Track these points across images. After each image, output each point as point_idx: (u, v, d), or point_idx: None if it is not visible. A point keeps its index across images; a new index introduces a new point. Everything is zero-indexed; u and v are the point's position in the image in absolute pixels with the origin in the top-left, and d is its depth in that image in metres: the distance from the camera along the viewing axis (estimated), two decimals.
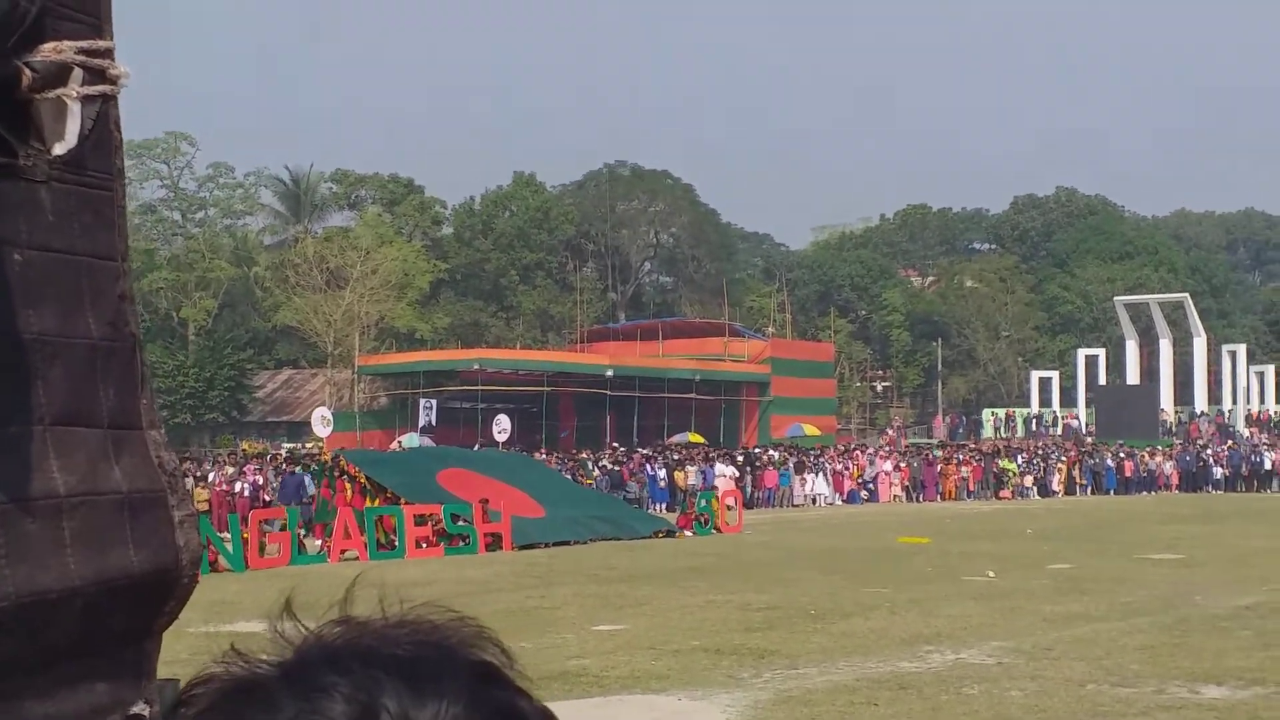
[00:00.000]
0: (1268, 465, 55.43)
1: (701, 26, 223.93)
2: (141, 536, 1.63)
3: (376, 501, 27.12)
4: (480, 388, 57.06)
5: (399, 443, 49.85)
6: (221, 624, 16.27)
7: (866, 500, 47.35)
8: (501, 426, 46.76)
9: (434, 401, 56.10)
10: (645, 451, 47.73)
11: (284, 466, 35.33)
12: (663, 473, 42.97)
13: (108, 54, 1.66)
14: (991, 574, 21.21)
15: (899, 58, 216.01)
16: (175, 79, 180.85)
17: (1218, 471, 55.48)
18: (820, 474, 47.33)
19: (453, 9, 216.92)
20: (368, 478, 28.01)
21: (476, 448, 44.75)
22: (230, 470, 34.95)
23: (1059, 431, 67.37)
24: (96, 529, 1.55)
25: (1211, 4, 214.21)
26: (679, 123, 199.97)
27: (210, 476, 34.30)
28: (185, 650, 14.03)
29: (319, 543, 26.14)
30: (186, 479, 29.07)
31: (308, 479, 31.76)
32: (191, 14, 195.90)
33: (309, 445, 48.78)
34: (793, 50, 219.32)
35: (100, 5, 1.66)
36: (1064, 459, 54.06)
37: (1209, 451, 57.75)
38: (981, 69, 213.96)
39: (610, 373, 58.20)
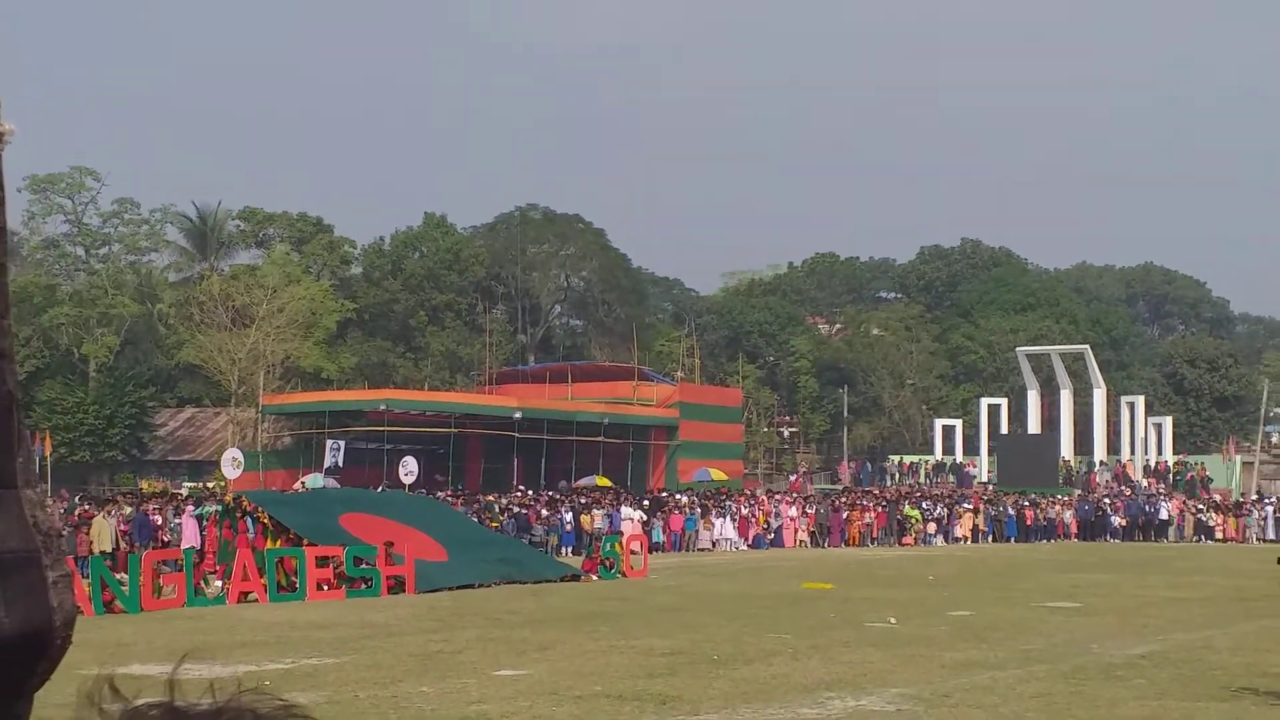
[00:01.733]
0: (1164, 515, 56.41)
1: (616, 70, 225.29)
2: (13, 597, 1.60)
3: (278, 543, 26.78)
4: (387, 428, 56.63)
5: (302, 483, 49.34)
6: (116, 666, 15.95)
7: (771, 545, 47.51)
8: (408, 469, 46.47)
9: (341, 442, 55.58)
10: (553, 494, 47.60)
11: (182, 507, 34.85)
12: (569, 516, 42.87)
13: None
14: (893, 620, 21.36)
15: (812, 105, 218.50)
16: (84, 114, 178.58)
17: (1116, 521, 56.36)
18: (726, 519, 47.45)
19: (367, 46, 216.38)
20: (271, 518, 27.66)
21: (380, 489, 44.39)
22: (129, 510, 34.32)
23: (956, 480, 68.13)
24: None
25: (1113, 66, 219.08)
26: (592, 167, 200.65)
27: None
28: (75, 692, 13.77)
29: (219, 584, 25.74)
30: (86, 521, 28.32)
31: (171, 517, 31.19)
32: (103, 48, 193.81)
33: (210, 484, 48.13)
34: (706, 98, 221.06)
35: None
36: (968, 506, 54.68)
37: (1107, 501, 58.68)
38: (892, 120, 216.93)
39: (518, 415, 58.04)
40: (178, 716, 0.92)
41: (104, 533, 30.94)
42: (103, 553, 28.40)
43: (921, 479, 68.60)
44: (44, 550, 1.69)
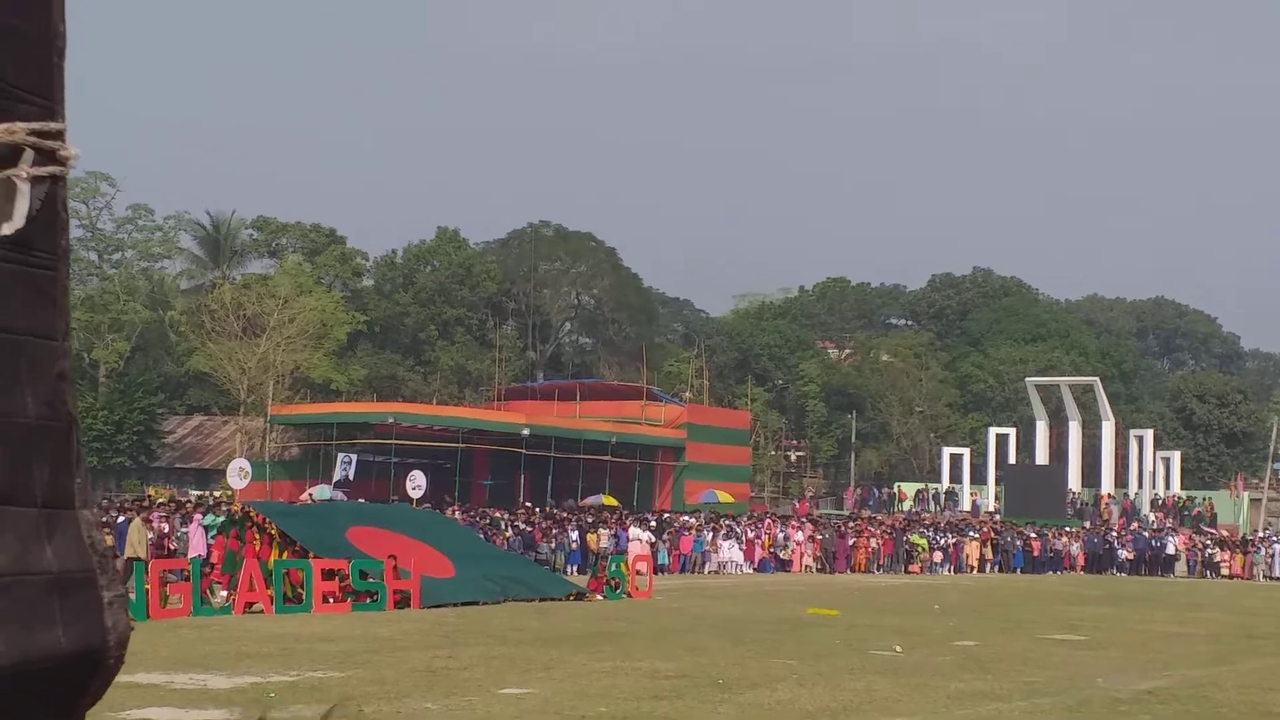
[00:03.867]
0: (1170, 550, 56.25)
1: (633, 88, 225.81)
2: (71, 617, 1.63)
3: (285, 554, 26.78)
4: (394, 441, 56.64)
5: (309, 494, 49.34)
6: (120, 675, 15.95)
7: (777, 570, 47.44)
8: (416, 483, 46.45)
9: (353, 456, 55.59)
10: (560, 513, 47.57)
11: (190, 514, 34.83)
12: (575, 534, 42.83)
13: (59, 135, 1.67)
14: (898, 649, 21.31)
15: (828, 129, 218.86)
16: (100, 118, 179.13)
17: (1123, 554, 56.21)
18: (733, 541, 47.39)
19: (382, 58, 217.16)
20: (278, 529, 27.66)
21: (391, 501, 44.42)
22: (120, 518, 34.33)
23: (967, 508, 68.06)
24: (26, 609, 1.55)
25: (1129, 97, 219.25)
26: (605, 185, 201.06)
27: (118, 521, 33.62)
28: None
29: (225, 594, 25.74)
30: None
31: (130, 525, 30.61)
32: (121, 53, 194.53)
33: (217, 493, 48.16)
34: (724, 119, 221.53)
35: (54, 88, 1.68)
36: (977, 535, 54.58)
37: (1114, 534, 58.55)
38: (907, 146, 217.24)
39: (526, 431, 58.01)
40: None
41: (141, 540, 30.80)
42: (139, 559, 28.40)
43: (909, 505, 68.42)
44: (100, 570, 1.72)
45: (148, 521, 32.63)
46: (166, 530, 33.88)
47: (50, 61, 1.66)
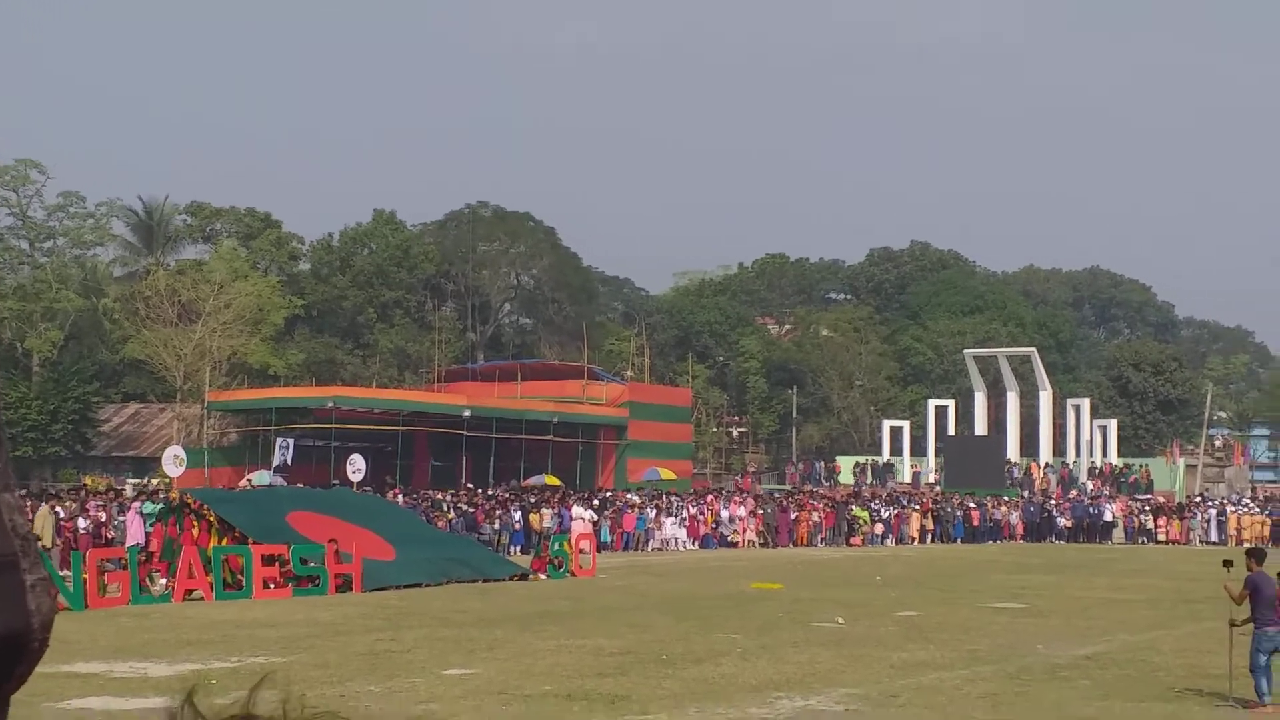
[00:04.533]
0: (1108, 517, 56.89)
1: (569, 69, 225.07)
2: None
3: (224, 541, 26.56)
4: (334, 426, 56.24)
5: (248, 480, 48.92)
6: (59, 664, 15.79)
7: (721, 545, 47.56)
8: (356, 466, 46.13)
9: (290, 440, 55.14)
10: (503, 494, 47.43)
11: (127, 504, 34.46)
12: (518, 515, 42.74)
13: None
14: (841, 621, 21.44)
15: (763, 105, 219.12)
16: (29, 104, 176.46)
17: (1061, 522, 56.78)
18: (676, 518, 47.46)
19: (317, 41, 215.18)
20: (217, 516, 27.43)
21: (332, 485, 44.12)
22: (72, 506, 33.92)
23: (907, 480, 68.49)
24: None
25: (1062, 64, 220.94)
26: (543, 165, 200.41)
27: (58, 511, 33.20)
28: (19, 691, 13.61)
29: (164, 582, 25.49)
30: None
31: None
32: (47, 38, 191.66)
33: (154, 481, 47.64)
34: (657, 96, 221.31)
35: None
36: (918, 507, 54.96)
37: (1053, 503, 59.12)
38: (843, 121, 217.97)
39: (467, 413, 57.78)
40: None
41: (46, 527, 30.54)
42: (43, 548, 28.05)
43: (848, 479, 68.81)
44: (21, 554, 1.67)
45: (53, 510, 32.25)
46: (104, 519, 33.47)
47: None
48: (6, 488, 1.69)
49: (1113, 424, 71.49)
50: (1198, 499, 60.22)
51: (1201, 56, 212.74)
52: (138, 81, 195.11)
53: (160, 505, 31.77)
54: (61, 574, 23.76)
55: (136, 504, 33.97)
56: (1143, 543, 54.61)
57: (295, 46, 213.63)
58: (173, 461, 42.74)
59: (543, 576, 30.30)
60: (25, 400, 60.96)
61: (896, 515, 53.32)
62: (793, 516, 50.09)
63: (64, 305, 65.90)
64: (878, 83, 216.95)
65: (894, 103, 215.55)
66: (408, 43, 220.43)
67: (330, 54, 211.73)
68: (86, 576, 23.09)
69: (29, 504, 33.17)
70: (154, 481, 47.56)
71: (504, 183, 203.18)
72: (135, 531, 32.11)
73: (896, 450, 72.66)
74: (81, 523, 32.72)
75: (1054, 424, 71.00)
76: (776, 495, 56.18)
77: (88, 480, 51.62)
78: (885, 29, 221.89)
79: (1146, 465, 67.52)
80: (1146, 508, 57.79)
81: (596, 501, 46.45)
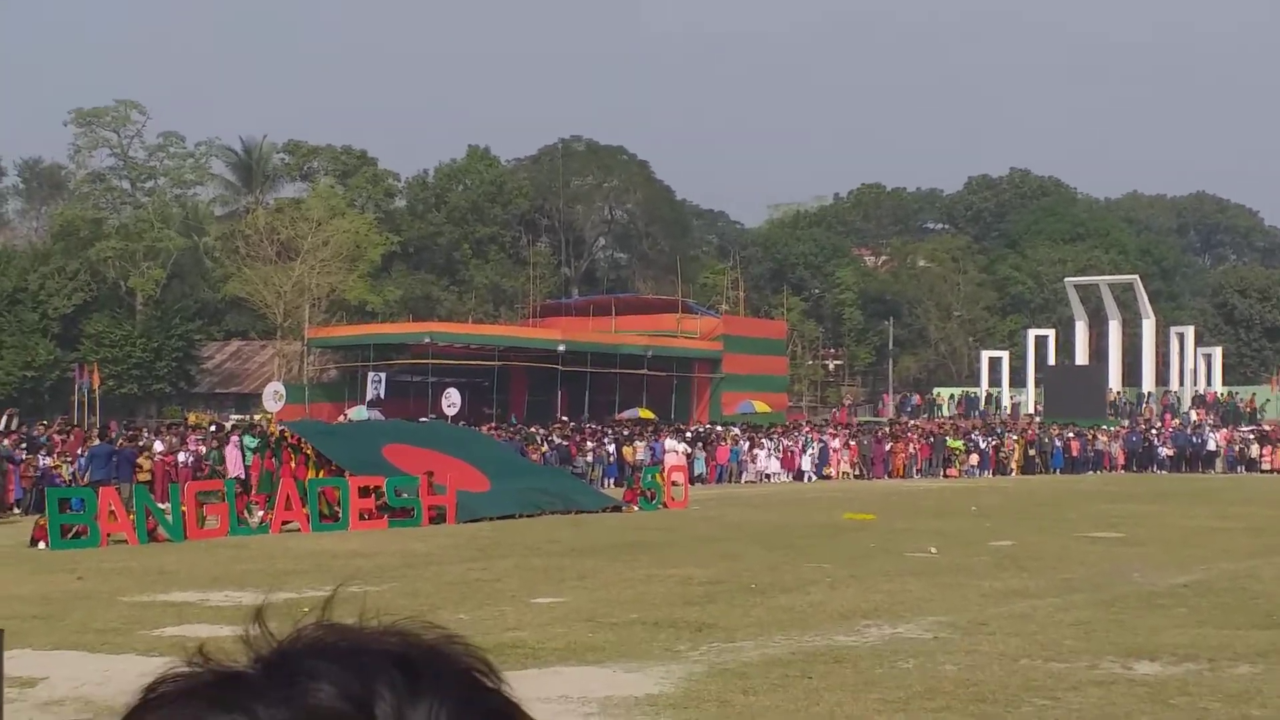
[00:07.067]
0: (1211, 446, 55.90)
1: (659, 5, 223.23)
2: None
3: (321, 473, 26.93)
4: (431, 361, 56.73)
5: (346, 415, 49.54)
6: (157, 593, 16.13)
7: (817, 478, 47.41)
8: (451, 400, 46.55)
9: (383, 375, 55.68)
10: (595, 426, 47.59)
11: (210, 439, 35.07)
12: (612, 447, 42.89)
13: None
14: (934, 550, 21.28)
15: (856, 34, 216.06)
16: (128, 45, 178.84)
17: (1163, 452, 55.91)
18: (771, 451, 47.35)
19: None
20: (314, 449, 27.81)
21: (425, 419, 44.53)
22: (173, 440, 34.58)
23: (1008, 412, 67.74)
24: None
25: None
26: (635, 98, 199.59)
27: (156, 446, 33.89)
28: (117, 619, 13.90)
29: (261, 513, 25.92)
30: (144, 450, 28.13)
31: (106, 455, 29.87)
32: None
33: (256, 416, 48.41)
34: (751, 30, 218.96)
35: None
36: (1019, 437, 54.36)
37: (1155, 432, 58.21)
38: (938, 48, 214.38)
39: (562, 348, 57.97)
40: (346, 631, 0.88)
41: (144, 464, 31.14)
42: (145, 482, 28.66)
43: (946, 410, 68.27)
44: None
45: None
46: (204, 453, 34.09)
47: None
48: None
49: (1217, 352, 70.16)
50: None
51: None
52: (231, 21, 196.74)
53: (259, 440, 32.27)
54: (161, 506, 24.21)
55: (235, 437, 34.52)
56: (1240, 472, 53.62)
57: None
58: (273, 397, 43.42)
59: (635, 508, 30.39)
60: (130, 338, 62.18)
61: (994, 446, 52.78)
62: (887, 448, 49.78)
63: (166, 244, 66.92)
64: (976, 6, 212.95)
65: (993, 26, 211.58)
66: None
67: None
68: (185, 509, 23.52)
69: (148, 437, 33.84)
70: (255, 417, 48.32)
71: (597, 117, 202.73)
72: (234, 464, 32.66)
73: (995, 381, 71.87)
74: (181, 456, 33.30)
75: (1157, 353, 69.76)
76: (874, 427, 55.84)
77: (191, 417, 52.55)
78: None
79: (1253, 393, 66.19)
80: (1251, 436, 56.71)
81: (689, 434, 46.46)
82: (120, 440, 32.47)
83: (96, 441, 31.86)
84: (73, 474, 30.27)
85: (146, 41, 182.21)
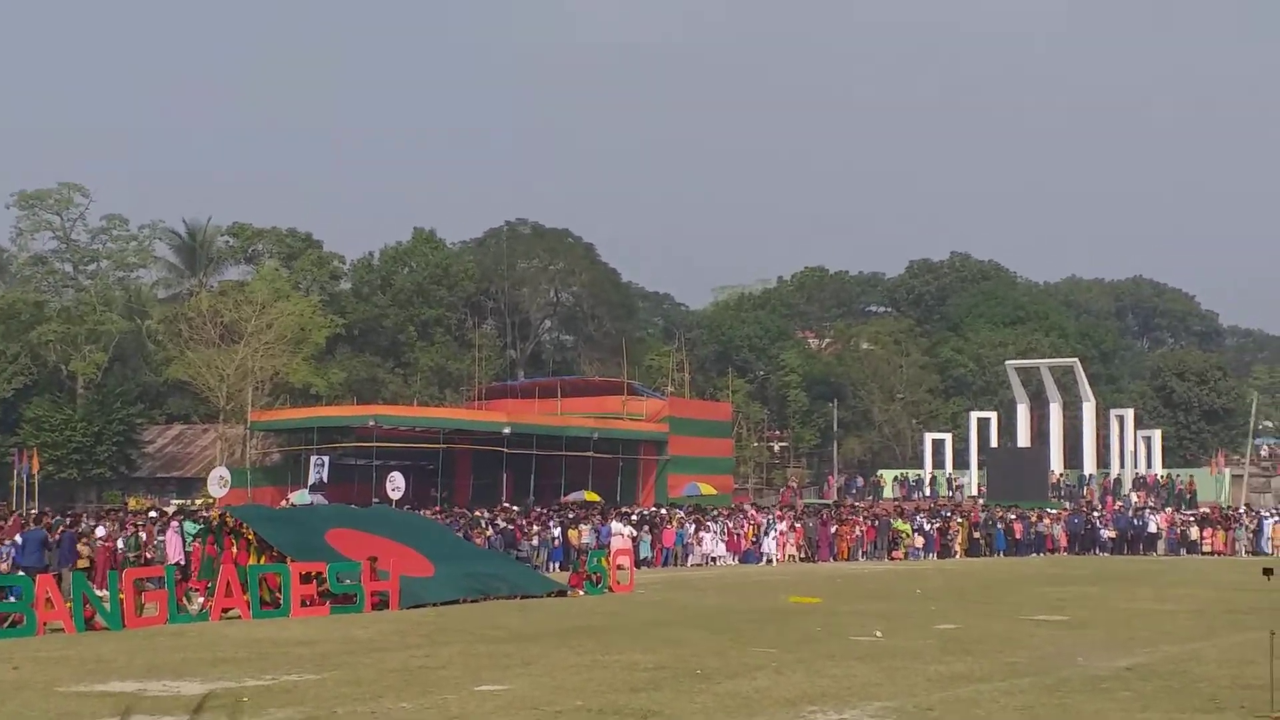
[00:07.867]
0: (1152, 529, 56.32)
1: (606, 84, 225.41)
2: None
3: (263, 559, 26.61)
4: (375, 444, 56.44)
5: (289, 500, 49.12)
6: (94, 683, 15.86)
7: (761, 560, 47.33)
8: (395, 484, 46.30)
9: (325, 458, 55.31)
10: (541, 510, 47.37)
11: (165, 522, 34.58)
12: (557, 531, 42.70)
13: None
14: (879, 634, 21.27)
15: (801, 119, 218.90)
16: (71, 130, 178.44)
17: (1105, 534, 56.27)
18: (715, 534, 47.27)
19: (355, 60, 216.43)
20: (255, 534, 27.48)
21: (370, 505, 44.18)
22: (114, 527, 34.07)
23: (950, 494, 68.06)
24: None
25: (1103, 79, 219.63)
26: (580, 182, 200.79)
27: (99, 531, 33.38)
28: (54, 710, 13.65)
29: (200, 600, 25.56)
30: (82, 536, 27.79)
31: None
32: (90, 63, 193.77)
33: (199, 501, 47.92)
34: (698, 112, 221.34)
35: None
36: (964, 520, 54.55)
37: (1096, 514, 58.61)
38: (880, 134, 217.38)
39: (508, 430, 57.83)
40: None
41: (84, 550, 30.67)
42: (81, 568, 28.23)
43: (888, 493, 68.58)
44: None
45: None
46: (145, 539, 33.60)
47: None
48: None
49: (1157, 435, 70.90)
50: (1242, 510, 59.53)
51: (1239, 56, 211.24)
52: (175, 103, 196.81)
53: (200, 525, 31.87)
54: (100, 594, 23.85)
55: (175, 522, 34.09)
56: (1182, 554, 54.02)
57: (331, 64, 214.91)
58: (218, 483, 43.09)
59: (581, 592, 30.23)
60: (70, 423, 61.47)
61: (939, 529, 52.95)
62: (833, 530, 49.82)
63: (108, 327, 66.47)
64: (920, 90, 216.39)
65: (935, 111, 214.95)
66: (442, 58, 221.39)
67: (367, 75, 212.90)
68: (124, 596, 23.16)
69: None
70: (198, 502, 47.85)
71: (542, 201, 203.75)
72: (174, 550, 32.23)
73: (939, 463, 72.28)
74: (120, 543, 32.82)
75: (1098, 435, 70.44)
76: (820, 510, 55.90)
77: (132, 502, 51.94)
78: (933, 28, 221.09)
79: (1191, 475, 66.87)
80: (1192, 519, 57.20)
81: (635, 517, 46.35)
82: (60, 527, 31.99)
83: (32, 527, 31.39)
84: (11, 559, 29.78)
85: (90, 124, 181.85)
